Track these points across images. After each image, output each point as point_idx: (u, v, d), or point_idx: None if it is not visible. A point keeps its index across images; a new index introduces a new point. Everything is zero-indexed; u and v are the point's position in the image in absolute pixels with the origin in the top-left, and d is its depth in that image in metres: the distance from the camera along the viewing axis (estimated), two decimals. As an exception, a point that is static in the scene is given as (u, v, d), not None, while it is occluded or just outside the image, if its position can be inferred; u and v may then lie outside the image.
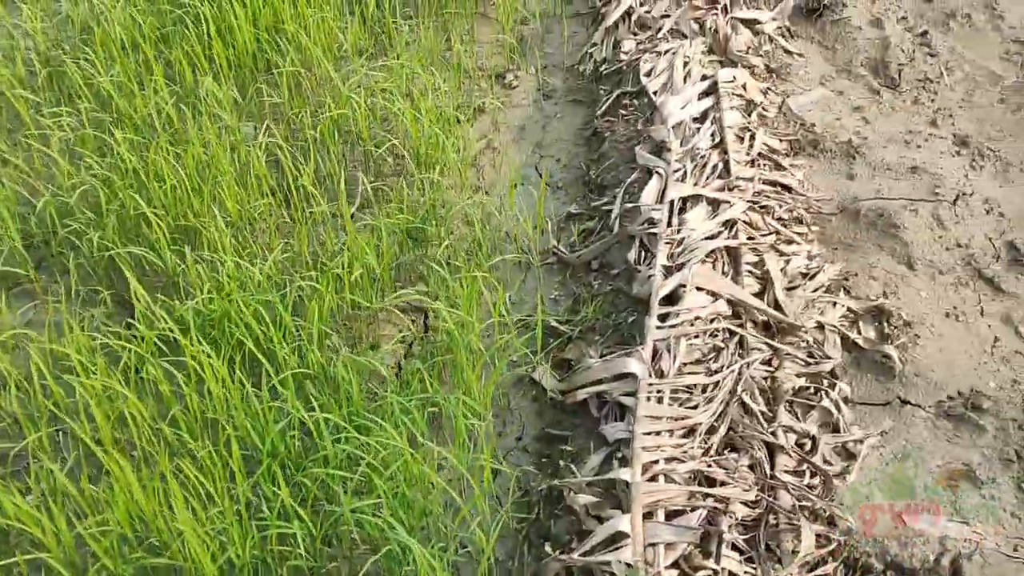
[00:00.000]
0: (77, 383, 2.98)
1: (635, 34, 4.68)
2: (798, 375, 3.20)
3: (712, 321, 3.28)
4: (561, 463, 3.03)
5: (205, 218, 3.71)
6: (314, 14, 4.59)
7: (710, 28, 4.59)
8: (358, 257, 3.52)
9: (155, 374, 3.06)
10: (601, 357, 3.25)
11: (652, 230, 3.57)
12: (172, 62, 4.47)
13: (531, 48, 4.93)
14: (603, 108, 4.38)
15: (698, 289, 3.33)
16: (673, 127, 3.99)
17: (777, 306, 3.37)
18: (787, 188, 3.92)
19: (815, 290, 3.50)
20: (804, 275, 3.55)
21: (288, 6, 4.60)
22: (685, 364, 3.15)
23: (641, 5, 4.80)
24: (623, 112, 4.30)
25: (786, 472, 2.92)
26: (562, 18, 5.11)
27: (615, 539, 2.68)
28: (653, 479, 2.81)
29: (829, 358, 3.28)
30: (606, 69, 4.59)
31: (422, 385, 3.16)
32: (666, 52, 4.45)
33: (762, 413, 3.07)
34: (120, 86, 4.26)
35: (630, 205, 3.75)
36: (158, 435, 2.96)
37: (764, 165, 3.97)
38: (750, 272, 3.49)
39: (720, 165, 3.86)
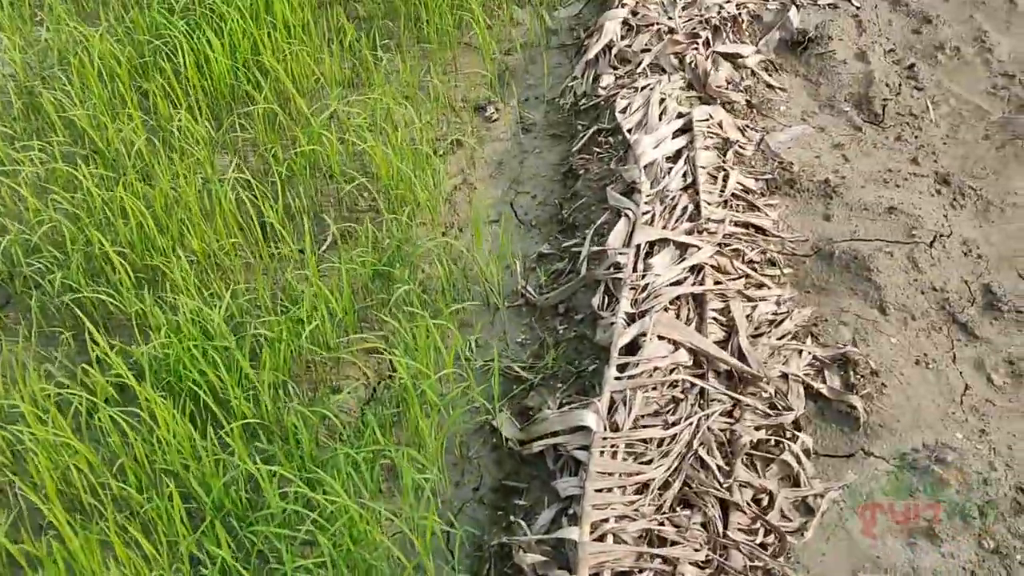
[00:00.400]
0: (29, 434, 2.96)
1: (615, 68, 4.64)
2: (758, 427, 3.16)
3: (672, 371, 3.23)
4: (512, 518, 2.99)
5: (170, 257, 3.70)
6: (292, 47, 4.57)
7: (690, 63, 4.55)
8: (320, 300, 3.49)
9: (107, 424, 3.04)
10: (560, 407, 3.21)
11: (617, 275, 3.53)
12: (148, 93, 4.46)
13: (512, 80, 4.89)
14: (579, 145, 4.34)
15: (659, 338, 3.29)
16: (645, 167, 3.95)
17: (741, 355, 3.33)
18: (761, 229, 3.87)
19: (781, 337, 3.45)
20: (771, 321, 3.51)
21: (267, 37, 4.58)
22: (642, 416, 3.11)
23: (622, 39, 4.76)
24: (598, 150, 4.26)
25: (740, 530, 2.88)
26: (546, 49, 5.07)
27: (560, 601, 2.64)
28: (601, 539, 2.76)
29: (791, 409, 3.23)
30: (585, 104, 4.55)
31: (378, 435, 3.12)
32: (643, 88, 4.41)
33: (719, 467, 3.02)
34: (94, 119, 4.25)
35: (597, 248, 3.70)
36: (105, 488, 2.93)
37: (737, 206, 3.92)
38: (715, 319, 3.44)
39: (691, 207, 3.82)
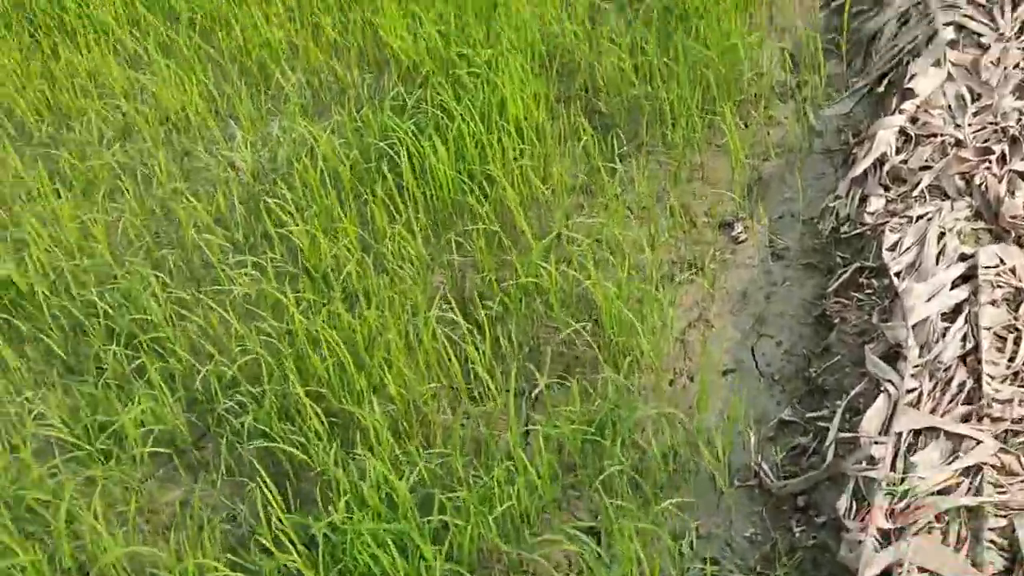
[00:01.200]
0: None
1: (886, 189, 3.97)
2: None
3: (932, 620, 2.59)
4: None
5: (364, 404, 3.38)
6: (519, 159, 4.20)
7: (979, 186, 3.82)
8: (519, 473, 3.08)
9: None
10: (787, 647, 2.64)
11: (870, 472, 2.91)
12: (367, 202, 4.19)
13: (765, 192, 4.31)
14: (836, 284, 3.71)
15: (920, 570, 2.65)
16: (914, 326, 3.30)
17: (1026, 598, 2.64)
18: (1061, 410, 3.14)
19: (1083, 571, 2.73)
20: (1070, 547, 2.79)
21: (497, 143, 4.23)
22: None
23: (897, 152, 4.08)
24: (858, 295, 3.62)
25: None
26: (807, 155, 4.46)
27: None
28: None
29: None
30: (847, 231, 3.91)
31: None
32: (918, 218, 3.73)
33: None
34: (310, 233, 4.01)
35: (849, 434, 3.09)
36: None
37: (1031, 380, 3.20)
38: (993, 542, 2.76)
39: (969, 382, 3.13)
